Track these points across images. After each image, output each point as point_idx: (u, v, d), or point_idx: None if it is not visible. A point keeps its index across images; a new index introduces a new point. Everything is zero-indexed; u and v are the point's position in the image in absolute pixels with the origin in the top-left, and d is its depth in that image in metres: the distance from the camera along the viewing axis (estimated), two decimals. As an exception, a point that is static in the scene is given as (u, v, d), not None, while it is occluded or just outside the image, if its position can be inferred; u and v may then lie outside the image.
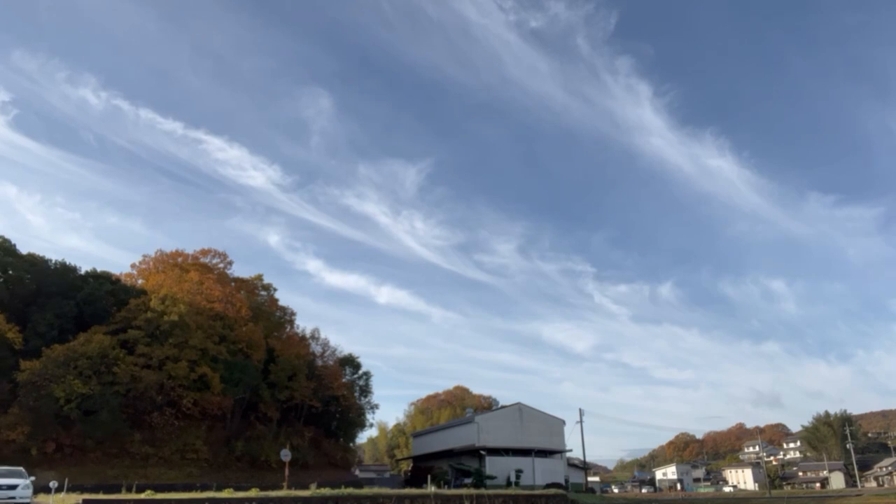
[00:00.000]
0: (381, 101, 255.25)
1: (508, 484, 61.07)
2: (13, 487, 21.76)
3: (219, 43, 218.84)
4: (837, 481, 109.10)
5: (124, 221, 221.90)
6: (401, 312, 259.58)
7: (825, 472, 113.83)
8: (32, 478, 24.20)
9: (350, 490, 35.02)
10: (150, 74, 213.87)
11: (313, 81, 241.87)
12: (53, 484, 26.84)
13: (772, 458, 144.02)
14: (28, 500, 22.26)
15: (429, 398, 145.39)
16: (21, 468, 25.02)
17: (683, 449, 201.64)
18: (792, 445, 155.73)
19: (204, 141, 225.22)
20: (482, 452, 66.39)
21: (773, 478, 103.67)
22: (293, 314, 74.14)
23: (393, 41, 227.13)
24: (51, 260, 54.81)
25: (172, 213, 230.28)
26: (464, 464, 66.92)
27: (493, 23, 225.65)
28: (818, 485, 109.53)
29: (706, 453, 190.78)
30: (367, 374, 77.76)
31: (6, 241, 51.51)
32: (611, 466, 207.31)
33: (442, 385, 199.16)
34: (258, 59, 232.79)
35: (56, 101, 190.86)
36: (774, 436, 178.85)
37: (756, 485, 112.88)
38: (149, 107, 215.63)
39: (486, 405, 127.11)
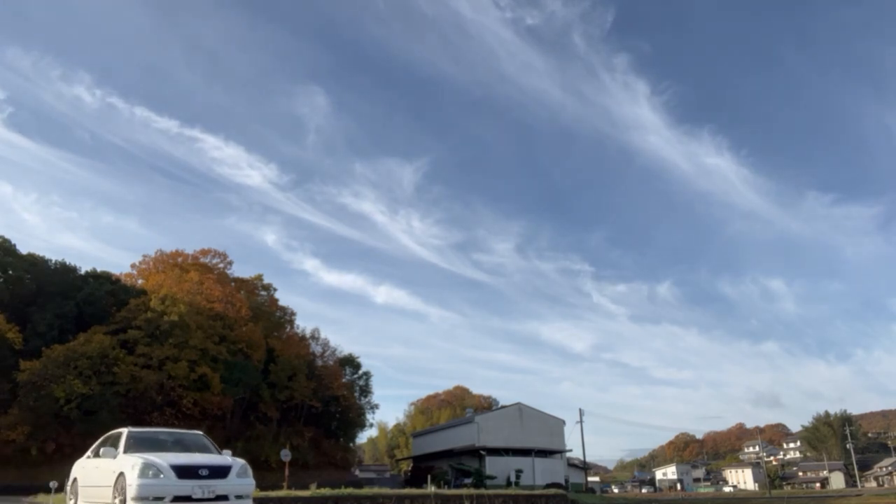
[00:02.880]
0: (376, 99, 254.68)
1: (508, 484, 61.06)
2: (222, 472, 10.56)
3: (212, 39, 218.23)
4: (837, 481, 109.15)
5: (120, 220, 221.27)
6: (399, 312, 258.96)
7: (825, 472, 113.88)
8: (238, 460, 12.00)
9: (350, 490, 34.98)
10: (144, 72, 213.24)
11: (308, 79, 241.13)
12: (53, 484, 26.67)
13: (772, 458, 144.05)
14: (248, 496, 10.93)
15: (429, 398, 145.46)
16: (200, 434, 13.38)
17: (683, 449, 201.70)
18: (792, 445, 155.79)
19: (199, 139, 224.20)
20: (482, 452, 66.39)
21: (773, 478, 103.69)
22: (293, 314, 74.24)
23: (387, 37, 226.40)
24: (51, 260, 54.94)
25: (168, 211, 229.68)
26: (464, 464, 66.92)
27: (488, 20, 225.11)
28: (818, 485, 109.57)
29: (706, 453, 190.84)
30: (367, 374, 77.89)
31: (6, 240, 51.55)
32: (611, 466, 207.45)
33: (442, 385, 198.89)
34: (252, 55, 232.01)
35: (50, 99, 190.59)
36: (774, 436, 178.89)
37: (756, 485, 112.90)
38: (143, 105, 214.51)
39: (486, 405, 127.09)
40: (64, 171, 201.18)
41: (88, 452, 13.15)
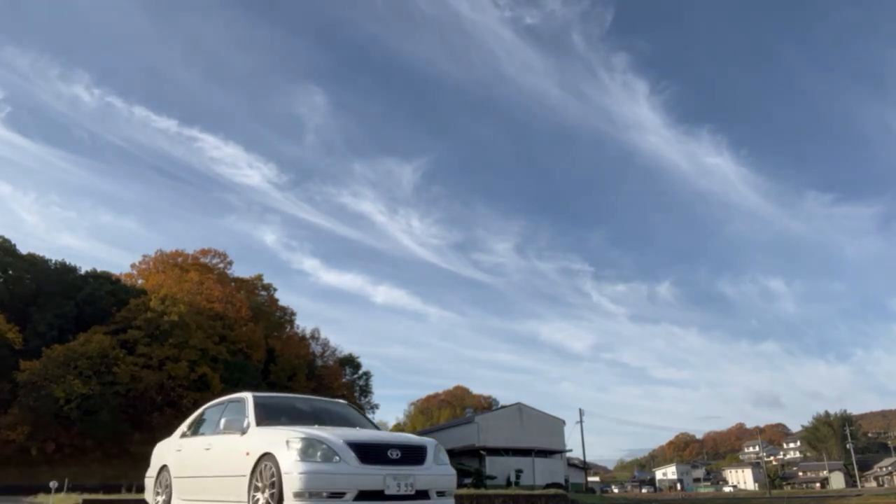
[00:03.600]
0: (375, 98, 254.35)
1: (508, 484, 61.04)
2: (417, 456, 6.81)
3: (210, 39, 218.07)
4: (837, 481, 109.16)
5: (118, 220, 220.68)
6: (398, 312, 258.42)
7: (825, 472, 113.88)
8: (429, 439, 7.46)
9: (350, 490, 34.92)
10: (143, 71, 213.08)
11: (306, 78, 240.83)
12: (53, 484, 26.66)
13: (772, 458, 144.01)
14: (451, 493, 7.07)
15: (429, 398, 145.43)
16: (345, 402, 9.58)
17: (683, 449, 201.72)
18: (792, 445, 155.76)
19: (198, 139, 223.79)
20: (482, 452, 66.37)
21: (773, 478, 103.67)
22: (293, 314, 74.23)
23: (386, 37, 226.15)
24: (50, 260, 54.93)
25: (167, 211, 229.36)
26: (464, 464, 66.85)
27: (487, 19, 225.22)
28: (818, 485, 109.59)
29: (706, 453, 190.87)
30: (367, 374, 77.94)
31: (6, 240, 51.57)
32: (611, 466, 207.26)
33: (442, 385, 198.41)
34: (250, 55, 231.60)
35: (49, 99, 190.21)
36: (774, 436, 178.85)
37: (756, 485, 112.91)
38: (142, 104, 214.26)
39: (486, 405, 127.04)
40: (63, 171, 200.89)
41: (183, 428, 9.23)
